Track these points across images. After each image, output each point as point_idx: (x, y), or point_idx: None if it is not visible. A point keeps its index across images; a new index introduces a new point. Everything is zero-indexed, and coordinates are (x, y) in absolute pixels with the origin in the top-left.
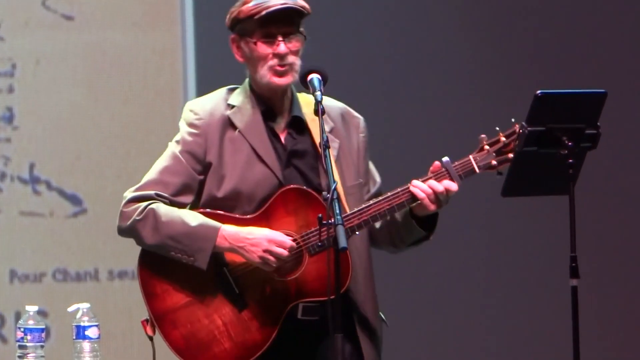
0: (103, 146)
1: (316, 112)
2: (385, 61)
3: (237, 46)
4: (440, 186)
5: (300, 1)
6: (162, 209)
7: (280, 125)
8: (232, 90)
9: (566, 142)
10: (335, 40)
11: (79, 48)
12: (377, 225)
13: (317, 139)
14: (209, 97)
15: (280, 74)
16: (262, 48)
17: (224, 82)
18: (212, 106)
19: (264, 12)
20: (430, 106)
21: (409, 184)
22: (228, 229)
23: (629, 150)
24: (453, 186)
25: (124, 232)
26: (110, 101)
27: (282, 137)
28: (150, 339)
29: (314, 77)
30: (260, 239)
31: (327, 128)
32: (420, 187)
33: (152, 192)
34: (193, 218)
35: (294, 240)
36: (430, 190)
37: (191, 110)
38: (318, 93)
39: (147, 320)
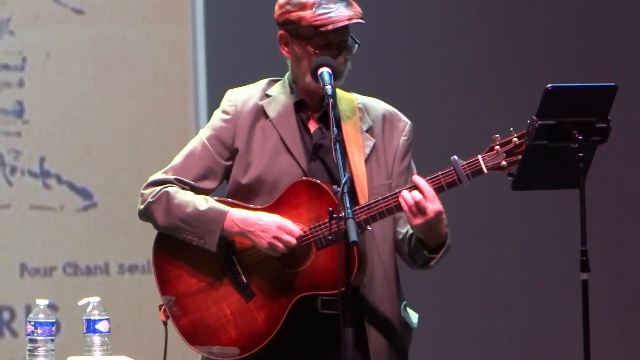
0: (113, 140)
1: (327, 106)
2: (401, 58)
3: (285, 43)
4: (418, 195)
5: (358, 9)
6: (175, 192)
7: (313, 119)
8: (274, 81)
9: (576, 135)
10: (357, 36)
11: (89, 42)
12: (399, 236)
13: (349, 135)
14: (249, 86)
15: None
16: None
17: (234, 76)
18: (249, 95)
19: (330, 27)
20: (446, 103)
21: (413, 183)
22: (237, 213)
23: (639, 144)
24: (429, 191)
25: (141, 214)
26: (120, 95)
27: (312, 130)
28: (164, 324)
29: (325, 71)
30: (270, 225)
31: (364, 127)
32: (404, 197)
33: (172, 177)
34: (204, 201)
35: (303, 232)
36: (411, 201)
37: (227, 97)
38: (328, 87)
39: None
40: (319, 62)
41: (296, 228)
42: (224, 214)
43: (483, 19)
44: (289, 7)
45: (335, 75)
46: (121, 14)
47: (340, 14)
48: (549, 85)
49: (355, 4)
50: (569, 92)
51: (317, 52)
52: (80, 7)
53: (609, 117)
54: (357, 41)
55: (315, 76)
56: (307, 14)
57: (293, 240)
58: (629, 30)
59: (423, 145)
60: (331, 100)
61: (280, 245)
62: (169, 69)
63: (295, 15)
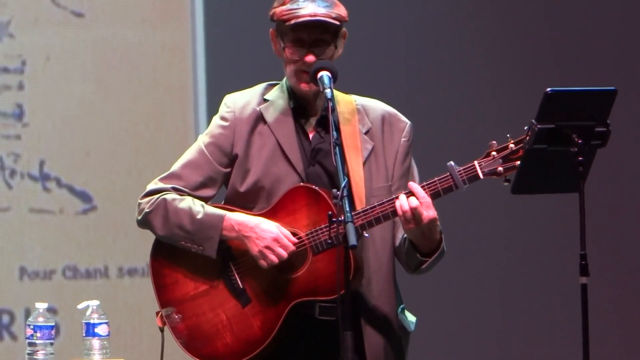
0: (113, 143)
1: (326, 109)
2: (401, 61)
3: (273, 40)
4: (415, 201)
5: (339, 11)
6: (172, 199)
7: (311, 123)
8: (272, 85)
9: (576, 139)
10: (356, 40)
11: (88, 44)
12: (397, 241)
13: (347, 139)
14: (247, 91)
15: (306, 80)
16: (291, 53)
17: (233, 78)
18: (247, 100)
19: (292, 22)
20: (443, 108)
21: (409, 189)
22: (234, 217)
23: (639, 148)
24: (424, 197)
25: (139, 223)
26: (120, 97)
27: (311, 135)
28: (161, 330)
29: (324, 75)
30: (267, 235)
31: (363, 129)
32: (401, 202)
33: (168, 186)
34: (201, 208)
35: (299, 238)
36: (407, 207)
37: (224, 103)
38: (328, 90)
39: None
40: (318, 66)
41: (290, 243)
42: (221, 218)
43: (482, 22)
44: (275, 4)
45: (334, 78)
46: (121, 16)
47: (307, 10)
48: (548, 89)
49: (339, 6)
50: (569, 96)
51: (286, 47)
52: (80, 10)
53: (608, 121)
54: (336, 44)
55: (315, 80)
56: (279, 9)
57: (284, 254)
58: (629, 34)
59: (420, 149)
60: (330, 104)
61: (270, 256)
62: (169, 72)
63: (273, 10)
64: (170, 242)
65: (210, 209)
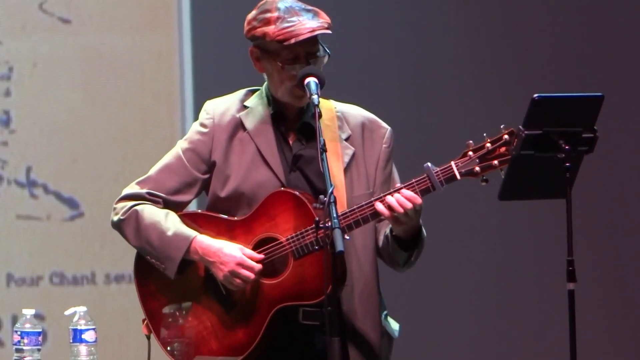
0: (100, 149)
1: (313, 116)
2: (385, 63)
3: (257, 59)
4: (408, 203)
5: (325, 19)
6: (145, 211)
7: (291, 130)
8: (252, 91)
9: (563, 145)
10: (333, 42)
11: (76, 51)
12: (380, 243)
13: (327, 145)
14: (227, 97)
15: (301, 97)
16: (287, 71)
17: (220, 85)
18: (226, 106)
19: (293, 41)
20: (428, 109)
21: (390, 191)
22: (201, 241)
23: (625, 154)
24: (417, 199)
25: (113, 226)
26: (107, 104)
27: (292, 142)
28: (147, 337)
29: (311, 81)
30: (229, 259)
31: (343, 136)
32: (387, 203)
33: (144, 191)
34: (171, 225)
35: (279, 243)
36: (396, 204)
37: (204, 109)
38: (315, 97)
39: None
40: (306, 72)
41: (254, 264)
42: (188, 241)
43: (464, 25)
44: (255, 24)
45: (322, 84)
46: (108, 23)
47: (303, 26)
48: (535, 95)
49: (322, 14)
50: (556, 102)
51: (285, 66)
52: (67, 16)
53: (595, 127)
54: (328, 51)
55: (302, 86)
56: (270, 29)
57: (251, 276)
58: (616, 40)
59: (396, 150)
60: (317, 110)
61: (236, 280)
62: (156, 79)
63: (260, 31)
64: (141, 253)
65: (180, 228)
